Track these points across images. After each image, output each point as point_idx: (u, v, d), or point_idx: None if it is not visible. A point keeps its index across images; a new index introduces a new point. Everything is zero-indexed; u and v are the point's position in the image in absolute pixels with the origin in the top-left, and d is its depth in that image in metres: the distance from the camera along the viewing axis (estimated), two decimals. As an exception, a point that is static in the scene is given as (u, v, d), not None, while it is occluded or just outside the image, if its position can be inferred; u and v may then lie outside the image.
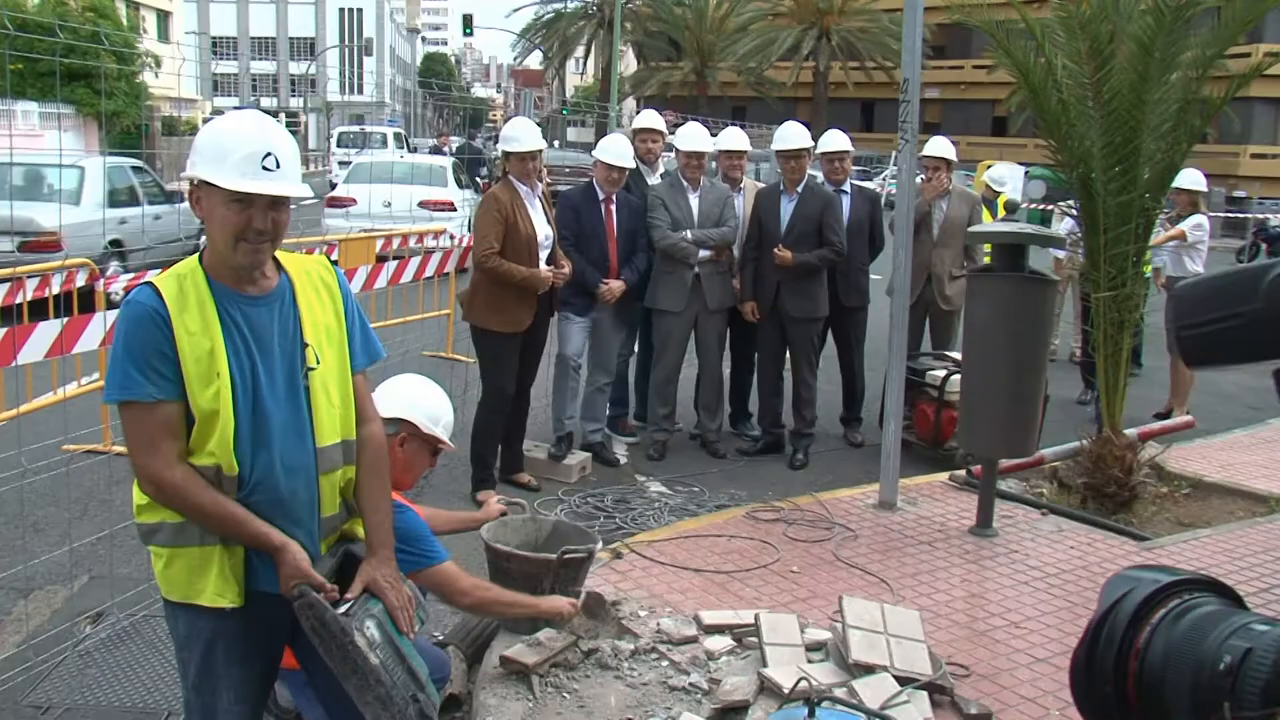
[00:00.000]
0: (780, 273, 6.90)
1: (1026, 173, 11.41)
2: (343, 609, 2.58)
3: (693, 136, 7.13)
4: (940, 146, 7.82)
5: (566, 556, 4.00)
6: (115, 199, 11.74)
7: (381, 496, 2.75)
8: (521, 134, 6.15)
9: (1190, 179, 8.58)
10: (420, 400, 3.62)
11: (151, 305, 2.44)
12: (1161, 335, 10.50)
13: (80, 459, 5.89)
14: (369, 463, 2.73)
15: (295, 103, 61.37)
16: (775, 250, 6.87)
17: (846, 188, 7.52)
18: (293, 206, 2.63)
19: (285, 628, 2.62)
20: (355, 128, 36.04)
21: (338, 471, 2.67)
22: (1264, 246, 22.22)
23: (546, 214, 6.26)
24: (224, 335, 2.47)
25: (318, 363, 2.61)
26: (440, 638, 4.23)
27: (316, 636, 2.56)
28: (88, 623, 4.51)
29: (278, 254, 2.63)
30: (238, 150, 2.44)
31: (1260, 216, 25.43)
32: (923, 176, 7.51)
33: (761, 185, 7.65)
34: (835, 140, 7.55)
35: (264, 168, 2.44)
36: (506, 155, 6.17)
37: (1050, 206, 16.22)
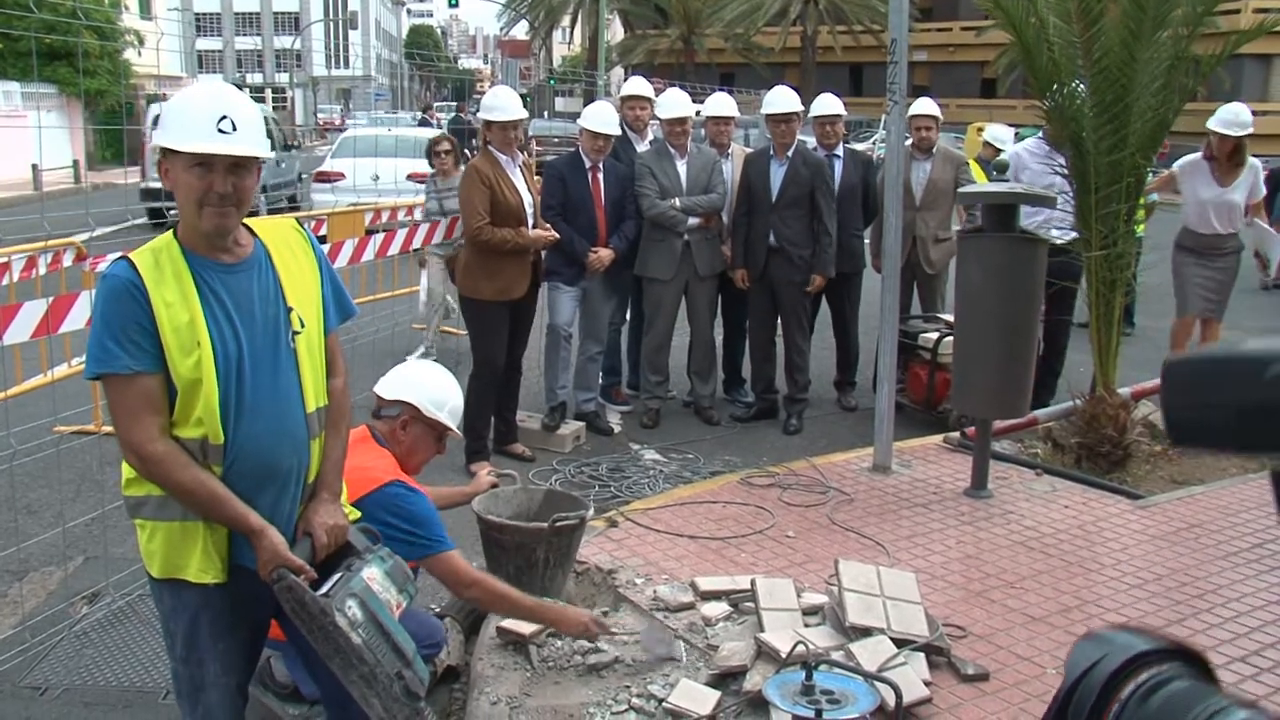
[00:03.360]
0: (770, 238, 6.87)
1: (1016, 134, 11.37)
2: (323, 590, 2.56)
3: (672, 103, 7.06)
4: (929, 105, 7.82)
5: (558, 524, 4.00)
6: None
7: (334, 447, 2.75)
8: (502, 103, 6.11)
9: (1231, 118, 6.90)
10: (424, 384, 3.61)
11: (127, 278, 2.44)
12: (1152, 293, 10.51)
13: (71, 440, 5.87)
14: (330, 413, 2.74)
15: (281, 78, 60.96)
16: (812, 285, 6.99)
17: (839, 152, 7.48)
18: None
19: (270, 600, 2.62)
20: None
21: (321, 436, 2.69)
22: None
23: (528, 183, 6.23)
24: (202, 304, 2.47)
25: (302, 326, 2.62)
26: (437, 610, 4.23)
27: (298, 619, 2.56)
28: (83, 603, 4.51)
29: (249, 222, 2.63)
30: (194, 115, 2.45)
31: (1251, 173, 25.37)
32: (910, 140, 7.47)
33: (750, 150, 7.60)
34: (828, 104, 7.50)
35: (220, 130, 2.44)
36: (488, 125, 6.13)
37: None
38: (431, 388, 3.60)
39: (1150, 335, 10.25)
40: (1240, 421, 1.55)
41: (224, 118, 2.45)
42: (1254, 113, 7.19)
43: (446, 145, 8.78)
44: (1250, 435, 1.57)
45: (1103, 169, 5.81)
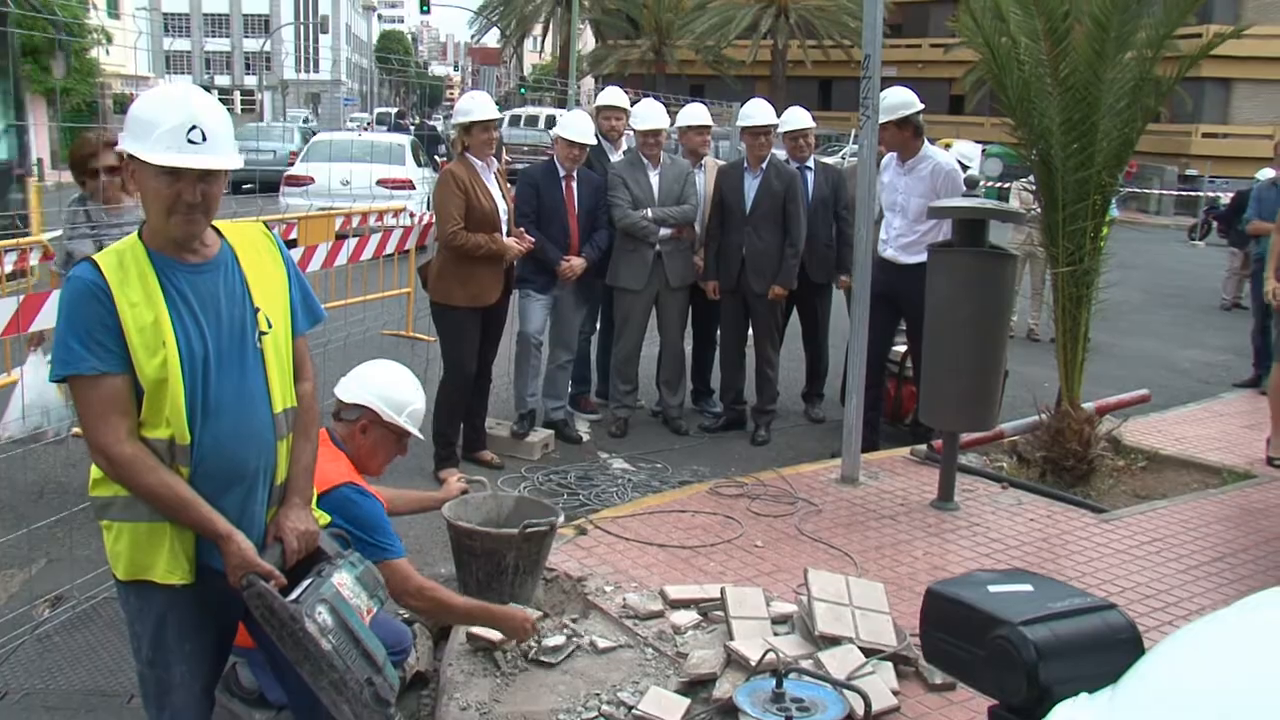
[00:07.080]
0: (743, 250, 6.91)
1: (983, 151, 11.52)
2: (293, 595, 2.55)
3: (648, 115, 7.08)
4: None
5: (528, 530, 4.01)
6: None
7: (303, 451, 2.73)
8: (478, 104, 6.13)
9: None
10: (384, 387, 3.52)
11: (91, 279, 2.43)
12: (1114, 310, 10.63)
13: (34, 441, 5.79)
14: (299, 417, 2.72)
15: (250, 80, 60.60)
16: (771, 294, 6.93)
17: (810, 164, 7.52)
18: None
19: (238, 602, 2.60)
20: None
21: (289, 437, 2.67)
22: (1215, 224, 22.59)
23: (502, 189, 6.24)
24: (167, 304, 2.46)
25: (269, 326, 2.61)
26: (405, 616, 4.21)
27: (267, 625, 2.54)
28: (46, 606, 4.45)
29: (215, 223, 2.62)
30: (162, 123, 2.42)
31: (1211, 194, 25.78)
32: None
33: (722, 162, 7.63)
34: (798, 118, 7.54)
35: (189, 140, 2.42)
36: (466, 128, 6.13)
37: (1006, 185, 16.36)
38: (391, 391, 3.52)
39: (1112, 351, 10.39)
40: (966, 669, 1.72)
41: (194, 127, 2.42)
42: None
43: (113, 160, 4.74)
44: (976, 681, 1.74)
45: (1070, 186, 5.89)
